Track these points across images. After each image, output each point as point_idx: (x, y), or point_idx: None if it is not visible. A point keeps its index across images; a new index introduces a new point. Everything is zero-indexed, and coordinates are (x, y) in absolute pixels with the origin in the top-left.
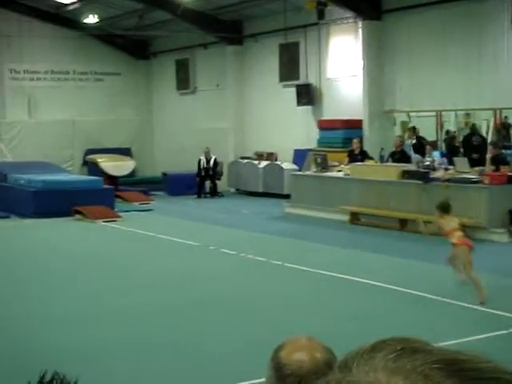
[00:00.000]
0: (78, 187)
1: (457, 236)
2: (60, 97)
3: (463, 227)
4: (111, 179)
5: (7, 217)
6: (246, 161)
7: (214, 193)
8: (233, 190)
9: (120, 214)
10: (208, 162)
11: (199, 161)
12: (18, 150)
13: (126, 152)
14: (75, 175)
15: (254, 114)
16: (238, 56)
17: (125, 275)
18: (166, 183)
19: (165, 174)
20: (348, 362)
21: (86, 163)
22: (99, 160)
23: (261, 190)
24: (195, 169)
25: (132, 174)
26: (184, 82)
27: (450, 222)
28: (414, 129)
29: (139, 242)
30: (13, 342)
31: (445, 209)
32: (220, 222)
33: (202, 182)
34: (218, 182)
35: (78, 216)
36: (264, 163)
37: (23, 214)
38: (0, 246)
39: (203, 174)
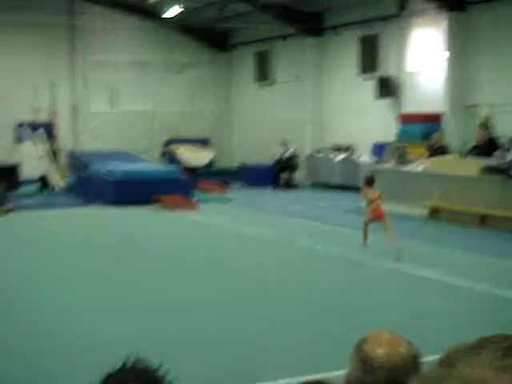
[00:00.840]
0: (157, 177)
1: (374, 204)
2: (141, 88)
3: None
4: (190, 169)
5: (88, 204)
6: (322, 153)
7: (290, 185)
8: (309, 182)
9: (198, 204)
10: (285, 153)
11: (276, 152)
12: (99, 140)
13: (204, 143)
14: (154, 165)
15: (332, 107)
16: (318, 48)
17: (202, 264)
18: (243, 174)
19: (242, 165)
20: (450, 358)
21: (165, 153)
22: (178, 150)
23: (337, 183)
24: (272, 160)
25: (210, 164)
26: (263, 73)
27: (372, 194)
28: (486, 125)
29: (215, 232)
30: (98, 329)
31: (369, 182)
32: (296, 213)
33: (279, 174)
34: (294, 174)
35: (156, 205)
36: (341, 156)
37: (104, 203)
38: (79, 234)
39: (280, 165)
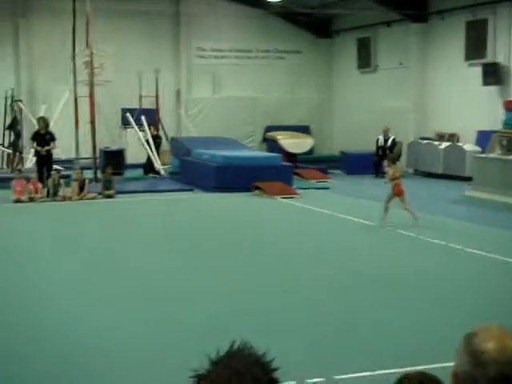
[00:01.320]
0: (257, 163)
1: (394, 183)
2: (242, 74)
3: None
4: (290, 156)
5: (190, 190)
6: (426, 141)
7: None
8: (411, 170)
9: (298, 191)
10: (386, 141)
11: (377, 140)
12: (201, 126)
13: (304, 130)
14: (255, 151)
15: (437, 94)
16: (422, 34)
17: (302, 251)
18: (344, 162)
19: (343, 153)
20: None
21: (265, 140)
22: (279, 137)
23: (440, 171)
24: (373, 148)
25: (310, 151)
26: (365, 60)
27: (395, 172)
28: None
29: (316, 219)
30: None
31: (394, 160)
32: (396, 202)
33: (380, 162)
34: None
35: (257, 191)
36: (445, 144)
37: (205, 188)
38: (181, 217)
39: (381, 153)
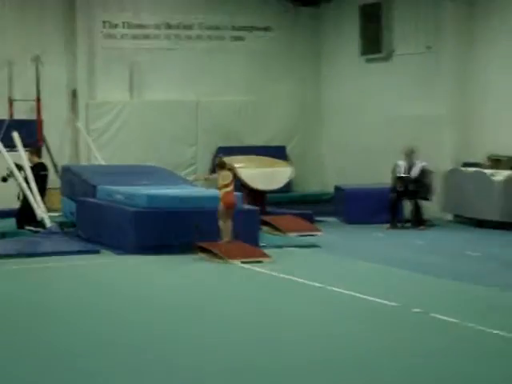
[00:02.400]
0: (202, 207)
1: (223, 192)
2: (178, 65)
3: None
4: (255, 195)
5: (96, 251)
6: (472, 169)
7: (419, 220)
8: (450, 216)
9: (269, 251)
10: (410, 169)
11: (395, 167)
12: (112, 147)
13: (278, 153)
14: (198, 188)
15: (486, 96)
16: (463, 2)
17: (291, 351)
18: (341, 203)
19: (339, 189)
20: None
21: (215, 169)
22: (237, 165)
23: (497, 217)
24: (387, 181)
25: (288, 187)
26: (373, 41)
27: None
28: None
29: (299, 297)
30: None
31: (221, 165)
32: (429, 268)
33: (399, 203)
34: (425, 202)
35: (201, 254)
36: (503, 174)
37: (119, 248)
38: (76, 304)
39: (401, 188)
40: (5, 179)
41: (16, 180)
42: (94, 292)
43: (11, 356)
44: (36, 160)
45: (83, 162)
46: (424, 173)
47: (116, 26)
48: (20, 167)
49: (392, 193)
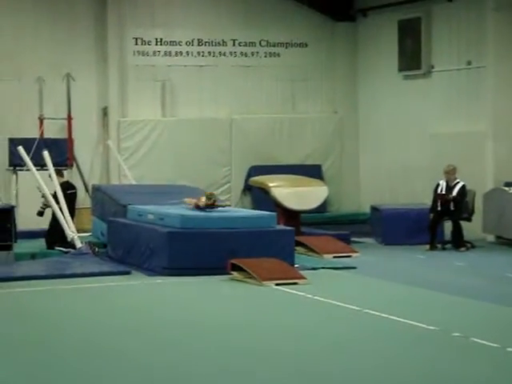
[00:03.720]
0: (236, 228)
1: None
2: (211, 82)
3: None
4: (290, 215)
5: (126, 272)
6: None
7: (459, 242)
8: (492, 237)
9: (303, 272)
10: (451, 189)
11: (436, 187)
12: (144, 166)
13: (313, 172)
14: (232, 208)
15: None
16: (507, 12)
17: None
18: (378, 224)
19: (376, 209)
20: None
21: (249, 188)
22: (271, 184)
23: None
24: (425, 201)
25: (323, 207)
26: (412, 57)
27: None
28: None
29: (336, 321)
30: None
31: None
32: (469, 291)
33: (438, 223)
34: (465, 223)
35: (235, 274)
36: None
37: (151, 270)
38: (108, 326)
39: (441, 208)
40: (41, 213)
41: (44, 199)
42: (121, 313)
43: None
44: (60, 179)
45: (114, 182)
46: (464, 192)
47: (148, 42)
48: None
49: (432, 212)
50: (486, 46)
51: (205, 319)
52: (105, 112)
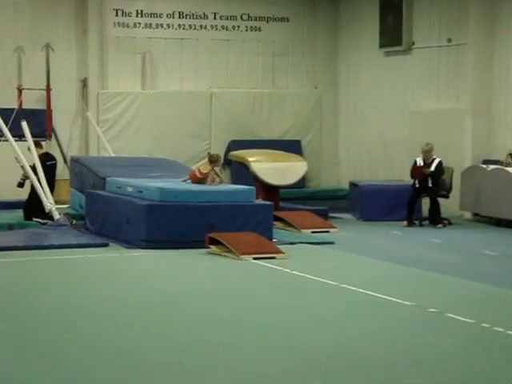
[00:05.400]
0: (214, 201)
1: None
2: (191, 55)
3: None
4: (269, 190)
5: (104, 245)
6: (492, 167)
7: (437, 218)
8: (468, 214)
9: (281, 247)
10: (428, 166)
11: (414, 164)
12: (123, 139)
13: (293, 147)
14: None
15: (510, 89)
16: None
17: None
18: (357, 200)
19: (354, 185)
20: None
21: (228, 162)
22: (250, 159)
23: None
24: (405, 178)
25: (302, 183)
26: (393, 33)
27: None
28: None
29: (312, 295)
30: None
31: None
32: (446, 268)
33: (416, 200)
34: (443, 200)
35: (213, 248)
36: None
37: (129, 242)
38: (81, 299)
39: (418, 185)
40: (21, 184)
41: (23, 170)
42: (98, 285)
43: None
44: (39, 151)
45: (93, 154)
46: (441, 169)
47: (128, 14)
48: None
49: (411, 190)
50: (467, 23)
51: (181, 291)
52: (84, 83)
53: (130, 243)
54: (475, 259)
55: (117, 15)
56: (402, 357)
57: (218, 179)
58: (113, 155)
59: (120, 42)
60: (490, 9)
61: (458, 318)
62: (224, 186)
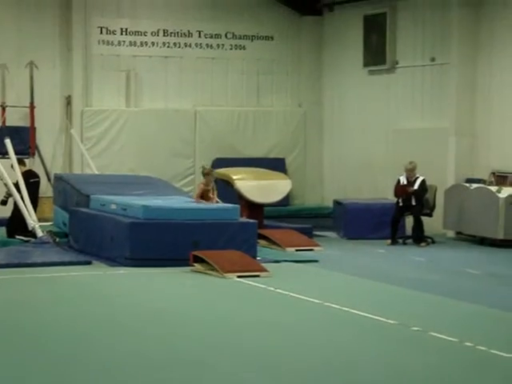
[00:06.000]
0: (199, 219)
1: None
2: (176, 73)
3: None
4: (253, 208)
5: (87, 263)
6: (475, 186)
7: (420, 237)
8: (452, 233)
9: (265, 265)
10: (411, 184)
11: (398, 183)
12: (107, 157)
13: (277, 165)
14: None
15: (494, 109)
16: (472, 9)
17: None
18: (341, 218)
19: (338, 203)
20: None
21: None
22: (235, 177)
23: (501, 236)
24: (389, 196)
25: (286, 200)
26: (377, 52)
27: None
28: None
29: (297, 313)
30: None
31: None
32: (429, 286)
33: (399, 219)
34: (426, 218)
35: (197, 266)
36: (508, 191)
37: (112, 260)
38: (62, 316)
39: (402, 204)
40: (4, 202)
41: (6, 188)
42: (80, 303)
43: None
44: (22, 168)
45: (76, 171)
46: (425, 188)
47: (113, 32)
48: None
49: (395, 209)
50: (450, 42)
51: (163, 309)
52: (68, 101)
53: (114, 261)
54: (458, 278)
55: (101, 33)
56: (386, 376)
57: (211, 194)
58: (97, 173)
59: (104, 60)
60: (473, 29)
61: (441, 336)
62: (208, 203)
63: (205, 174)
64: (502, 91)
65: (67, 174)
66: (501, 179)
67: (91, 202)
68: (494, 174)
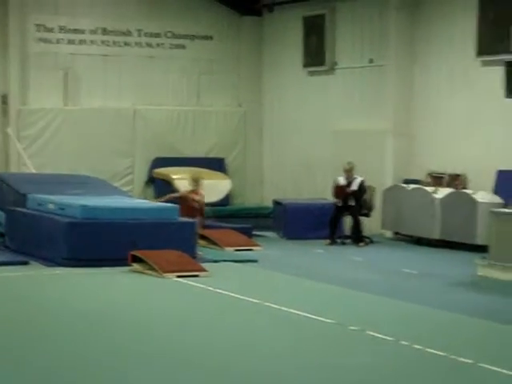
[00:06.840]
0: (138, 219)
1: None
2: (115, 72)
3: None
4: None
5: (24, 263)
6: (412, 186)
7: (358, 237)
8: (390, 233)
9: (204, 265)
10: (349, 185)
11: (336, 184)
12: (45, 155)
13: (217, 165)
14: (134, 199)
15: (430, 110)
16: (408, 11)
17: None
18: (280, 218)
19: (278, 204)
20: None
21: (152, 180)
22: (174, 176)
23: (437, 236)
24: (328, 196)
25: (226, 200)
26: (316, 53)
27: None
28: None
29: (235, 312)
30: None
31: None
32: (367, 286)
33: (338, 219)
34: (365, 218)
35: (135, 266)
36: (444, 191)
37: (50, 260)
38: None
39: (341, 204)
40: None
41: None
42: (14, 304)
43: None
44: None
45: (13, 170)
46: (363, 188)
47: (51, 29)
48: None
49: (333, 209)
50: (388, 44)
51: (99, 309)
52: (4, 100)
53: (51, 261)
54: (395, 277)
55: (39, 31)
56: (321, 375)
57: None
58: (34, 172)
59: (42, 58)
60: (411, 31)
61: (377, 335)
62: (147, 202)
63: (193, 181)
64: (439, 92)
65: (4, 173)
66: (437, 180)
67: (28, 201)
68: (430, 174)
